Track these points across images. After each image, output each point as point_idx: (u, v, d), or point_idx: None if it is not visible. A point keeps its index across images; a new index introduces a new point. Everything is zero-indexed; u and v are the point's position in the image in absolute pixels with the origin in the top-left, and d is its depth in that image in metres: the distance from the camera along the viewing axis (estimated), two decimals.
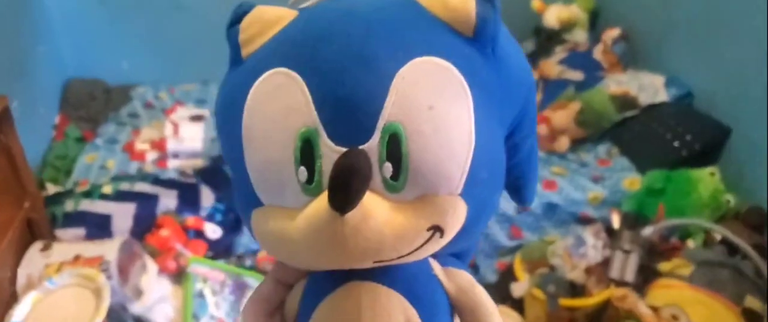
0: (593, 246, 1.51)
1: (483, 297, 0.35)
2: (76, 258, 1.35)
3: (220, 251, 1.56)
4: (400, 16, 0.32)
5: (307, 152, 0.29)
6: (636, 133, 1.81)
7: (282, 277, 0.37)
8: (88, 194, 1.52)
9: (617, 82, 1.95)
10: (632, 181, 1.71)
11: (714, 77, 1.82)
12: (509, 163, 0.35)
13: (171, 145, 1.88)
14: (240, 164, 0.32)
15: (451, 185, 0.30)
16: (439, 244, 0.31)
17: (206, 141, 1.94)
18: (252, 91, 0.31)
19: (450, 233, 0.31)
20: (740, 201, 1.56)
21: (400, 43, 0.30)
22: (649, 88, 1.89)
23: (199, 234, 1.55)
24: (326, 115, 0.29)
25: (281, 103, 0.30)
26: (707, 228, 1.41)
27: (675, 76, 1.93)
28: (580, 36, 2.24)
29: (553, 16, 2.23)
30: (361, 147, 0.29)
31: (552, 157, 1.84)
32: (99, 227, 1.48)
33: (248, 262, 1.52)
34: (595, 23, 2.37)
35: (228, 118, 0.33)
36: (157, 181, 1.61)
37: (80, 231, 1.48)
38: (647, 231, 1.38)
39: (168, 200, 1.57)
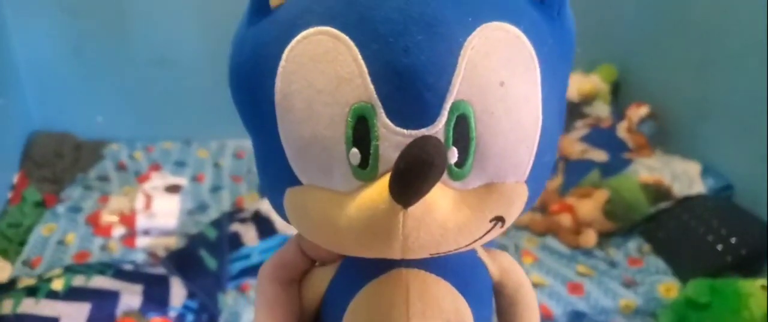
0: None
1: (523, 275, 0.34)
2: None
3: None
4: None
5: (360, 132, 0.25)
6: (671, 231, 1.60)
7: (309, 249, 0.33)
8: (32, 291, 1.26)
9: (648, 169, 1.75)
10: (668, 287, 1.49)
11: (756, 169, 1.63)
12: None
13: (141, 222, 1.65)
14: (269, 135, 0.27)
15: (518, 171, 0.27)
16: (497, 233, 0.28)
17: (182, 216, 1.71)
18: (289, 51, 0.26)
19: (510, 222, 0.28)
20: None
21: (466, 3, 0.25)
22: (684, 177, 1.69)
23: None
24: (384, 90, 0.25)
25: (330, 70, 0.25)
26: None
27: (712, 165, 1.74)
28: (602, 110, 2.05)
29: (573, 88, 2.03)
30: (426, 130, 0.25)
31: (577, 253, 1.62)
32: None
33: None
34: (617, 95, 2.19)
35: (253, 80, 0.28)
36: (118, 273, 1.36)
37: None
38: None
39: (130, 298, 1.32)
